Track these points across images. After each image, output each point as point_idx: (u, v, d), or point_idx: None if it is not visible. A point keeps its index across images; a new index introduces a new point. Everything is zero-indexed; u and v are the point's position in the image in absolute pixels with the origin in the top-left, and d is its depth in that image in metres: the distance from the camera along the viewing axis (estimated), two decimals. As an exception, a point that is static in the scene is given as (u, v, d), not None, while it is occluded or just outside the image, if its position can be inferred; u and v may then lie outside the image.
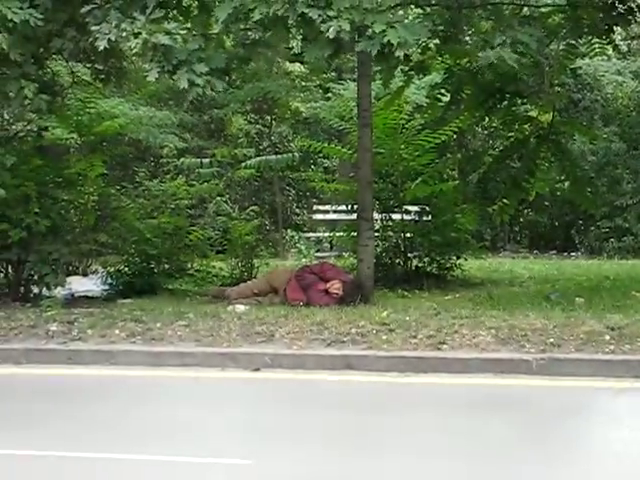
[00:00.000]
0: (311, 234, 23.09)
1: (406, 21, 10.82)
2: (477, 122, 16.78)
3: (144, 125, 18.64)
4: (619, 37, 13.90)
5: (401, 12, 12.28)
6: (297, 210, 26.56)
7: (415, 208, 15.19)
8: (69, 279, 13.86)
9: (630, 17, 12.86)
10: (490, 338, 9.73)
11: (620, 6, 12.68)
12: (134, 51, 10.66)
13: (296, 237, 22.36)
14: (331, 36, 10.08)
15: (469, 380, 8.92)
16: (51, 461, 6.46)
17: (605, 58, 22.58)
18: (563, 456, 6.62)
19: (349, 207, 15.47)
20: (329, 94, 23.05)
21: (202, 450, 6.69)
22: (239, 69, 14.95)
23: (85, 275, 16.34)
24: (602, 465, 6.40)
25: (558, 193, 22.12)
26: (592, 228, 23.65)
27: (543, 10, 14.11)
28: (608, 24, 12.91)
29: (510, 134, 15.97)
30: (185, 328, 10.68)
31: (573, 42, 13.72)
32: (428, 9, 13.55)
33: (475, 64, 13.36)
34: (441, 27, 12.80)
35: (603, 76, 24.88)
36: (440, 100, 14.63)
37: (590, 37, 13.73)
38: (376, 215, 14.32)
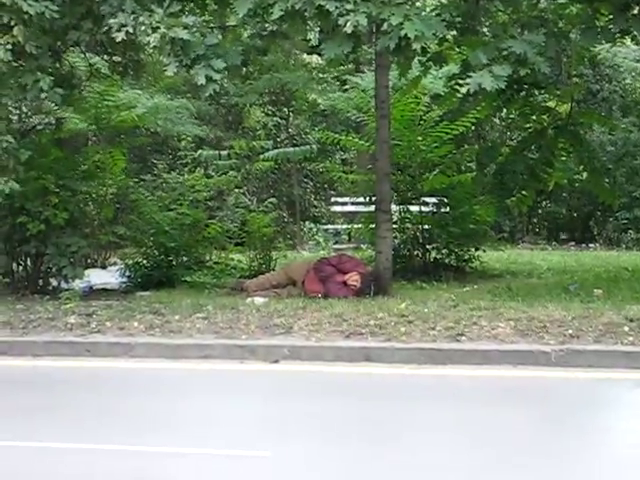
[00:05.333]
0: (329, 226, 23.12)
1: (423, 14, 10.78)
2: (494, 113, 16.68)
3: (161, 114, 18.59)
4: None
5: (418, 4, 12.23)
6: (315, 202, 26.49)
7: (433, 200, 15.17)
8: (88, 272, 13.93)
9: None
10: (509, 330, 9.71)
11: (635, 6, 12.54)
12: (152, 45, 10.65)
13: (314, 229, 22.38)
14: (348, 31, 10.09)
15: (488, 372, 8.90)
16: (68, 453, 6.49)
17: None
18: (581, 448, 6.61)
19: (367, 199, 15.48)
20: (346, 86, 23.04)
21: (220, 442, 6.71)
22: (256, 60, 14.95)
23: (104, 268, 16.37)
24: (621, 457, 6.36)
25: (576, 184, 21.98)
26: (610, 219, 23.53)
27: (561, 1, 14.03)
28: (622, 29, 12.77)
29: (528, 125, 15.86)
30: (204, 320, 10.71)
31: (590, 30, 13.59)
32: (445, 0, 13.49)
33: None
34: (458, 18, 12.73)
35: (623, 63, 24.68)
36: (458, 91, 14.58)
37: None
38: (394, 207, 14.31)
